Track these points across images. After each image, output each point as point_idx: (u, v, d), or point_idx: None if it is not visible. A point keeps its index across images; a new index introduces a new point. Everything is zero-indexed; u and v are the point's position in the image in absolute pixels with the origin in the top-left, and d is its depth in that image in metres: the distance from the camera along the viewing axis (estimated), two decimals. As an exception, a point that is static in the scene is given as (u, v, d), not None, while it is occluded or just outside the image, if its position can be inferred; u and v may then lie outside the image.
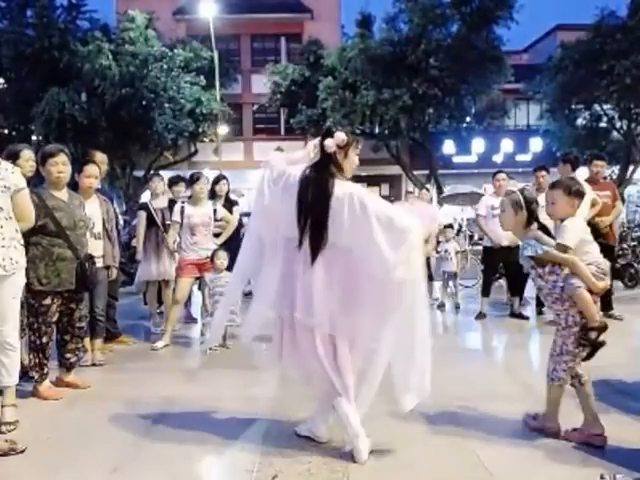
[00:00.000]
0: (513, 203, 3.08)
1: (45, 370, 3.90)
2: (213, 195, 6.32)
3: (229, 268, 5.33)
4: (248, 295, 5.82)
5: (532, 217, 3.07)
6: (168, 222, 5.78)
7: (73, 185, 4.44)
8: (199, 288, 6.15)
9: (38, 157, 3.96)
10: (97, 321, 4.74)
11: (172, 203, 5.91)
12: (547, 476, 2.67)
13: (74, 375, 4.16)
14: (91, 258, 4.09)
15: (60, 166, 3.86)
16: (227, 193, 6.56)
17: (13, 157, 3.87)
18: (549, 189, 3.24)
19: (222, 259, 5.26)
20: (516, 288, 6.62)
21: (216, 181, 6.54)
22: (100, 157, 5.29)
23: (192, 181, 5.55)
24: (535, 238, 3.02)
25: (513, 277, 6.69)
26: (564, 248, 2.97)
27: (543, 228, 3.09)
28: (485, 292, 6.77)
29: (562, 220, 3.08)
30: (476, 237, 12.30)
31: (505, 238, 6.51)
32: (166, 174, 8.05)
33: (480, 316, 6.60)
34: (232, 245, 5.46)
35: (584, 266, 2.94)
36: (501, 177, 6.71)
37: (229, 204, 6.37)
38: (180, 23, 22.02)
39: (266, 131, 23.60)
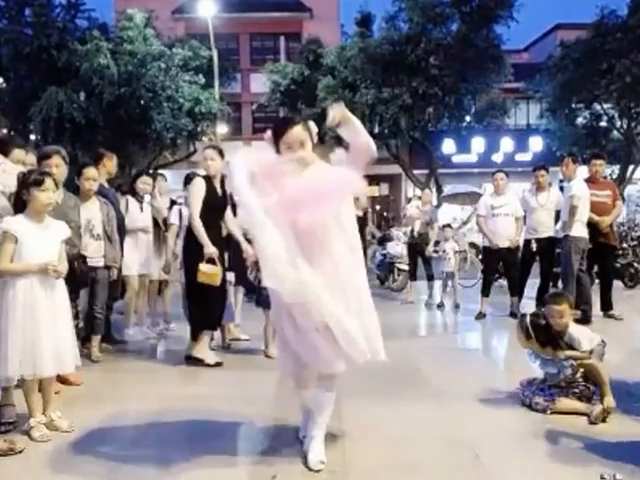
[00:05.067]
0: (522, 330, 3.51)
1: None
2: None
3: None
4: (248, 295, 5.86)
5: (548, 338, 3.47)
6: (170, 222, 5.78)
7: (74, 188, 4.47)
8: None
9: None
10: (96, 318, 4.79)
11: (173, 204, 5.92)
12: (547, 476, 2.67)
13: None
14: (82, 258, 4.08)
15: (53, 168, 3.83)
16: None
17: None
18: (551, 305, 3.55)
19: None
20: (515, 288, 6.61)
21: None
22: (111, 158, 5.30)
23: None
24: (565, 357, 3.44)
25: (512, 277, 6.69)
26: (589, 353, 3.47)
27: (553, 336, 3.49)
28: (485, 292, 6.77)
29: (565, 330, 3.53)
30: (476, 237, 12.29)
31: (503, 239, 6.51)
32: (166, 173, 8.04)
33: (480, 316, 6.60)
34: (231, 244, 5.45)
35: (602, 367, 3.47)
36: (499, 177, 6.72)
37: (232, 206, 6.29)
38: (179, 22, 22.00)
39: (265, 130, 23.48)
